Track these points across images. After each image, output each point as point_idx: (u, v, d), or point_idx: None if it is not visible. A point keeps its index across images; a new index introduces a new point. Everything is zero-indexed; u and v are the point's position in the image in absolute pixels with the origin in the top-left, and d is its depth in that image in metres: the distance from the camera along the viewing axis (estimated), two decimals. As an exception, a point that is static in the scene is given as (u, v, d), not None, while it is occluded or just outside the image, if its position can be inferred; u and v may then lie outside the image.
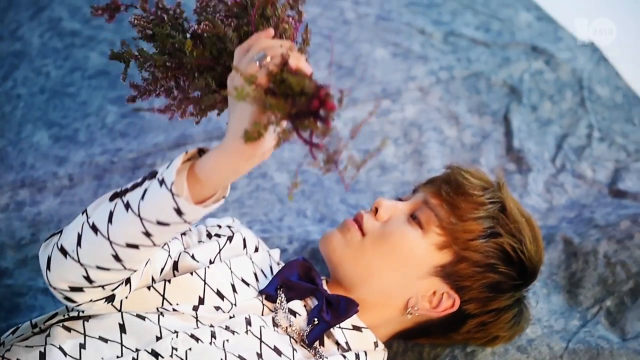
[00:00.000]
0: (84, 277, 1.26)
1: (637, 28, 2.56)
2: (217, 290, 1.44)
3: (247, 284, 1.50)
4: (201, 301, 1.42)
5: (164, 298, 1.41)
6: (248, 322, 1.39)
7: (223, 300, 1.44)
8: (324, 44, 2.39)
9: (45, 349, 1.32)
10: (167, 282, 1.42)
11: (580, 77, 2.37)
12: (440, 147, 2.16)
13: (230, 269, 1.50)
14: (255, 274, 1.54)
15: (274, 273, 1.54)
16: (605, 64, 2.44)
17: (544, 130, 2.24)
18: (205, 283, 1.44)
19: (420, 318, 1.53)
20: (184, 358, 1.31)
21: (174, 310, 1.38)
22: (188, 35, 1.24)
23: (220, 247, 1.53)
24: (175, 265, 1.46)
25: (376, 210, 1.54)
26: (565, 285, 1.80)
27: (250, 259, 1.56)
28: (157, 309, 1.39)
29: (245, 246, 1.58)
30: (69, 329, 1.36)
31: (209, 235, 1.57)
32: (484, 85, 2.35)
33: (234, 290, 1.47)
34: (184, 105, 1.25)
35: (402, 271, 1.50)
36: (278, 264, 1.59)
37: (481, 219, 1.49)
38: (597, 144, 2.20)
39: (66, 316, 1.38)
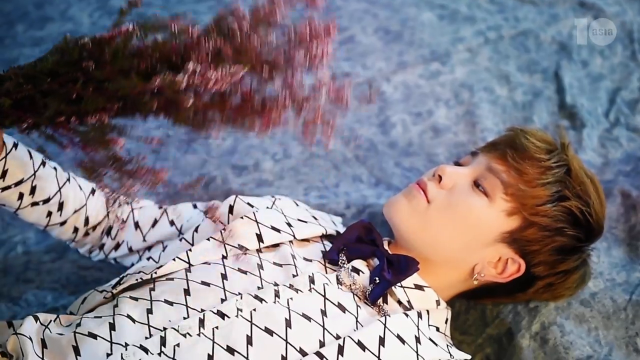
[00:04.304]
0: None
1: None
2: (272, 226, 1.49)
3: (305, 222, 1.55)
4: (260, 238, 1.47)
5: (224, 244, 1.46)
6: (311, 280, 1.41)
7: (280, 232, 1.49)
8: (370, 10, 2.39)
9: (114, 319, 1.35)
10: (222, 231, 1.47)
11: (630, 30, 2.33)
12: (492, 107, 2.14)
13: (282, 213, 1.55)
14: (314, 217, 1.60)
15: (336, 225, 1.61)
16: (656, 16, 2.41)
17: (596, 85, 2.22)
18: (257, 223, 1.49)
19: (486, 282, 1.54)
20: (249, 318, 1.33)
21: (239, 252, 1.45)
22: None
23: (273, 202, 1.60)
24: (230, 209, 1.54)
25: (439, 177, 1.52)
26: (625, 239, 1.78)
27: (306, 210, 1.63)
28: (222, 259, 1.45)
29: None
30: (135, 299, 1.39)
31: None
32: (533, 43, 2.32)
33: (290, 226, 1.52)
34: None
35: (468, 239, 1.49)
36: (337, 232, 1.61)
37: (549, 184, 1.48)
38: (650, 97, 2.18)
39: (133, 282, 1.42)
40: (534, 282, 1.55)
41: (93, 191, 1.62)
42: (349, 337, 1.33)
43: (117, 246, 1.65)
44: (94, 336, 1.34)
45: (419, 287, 1.49)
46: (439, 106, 2.15)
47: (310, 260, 1.49)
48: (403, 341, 1.36)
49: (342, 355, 1.31)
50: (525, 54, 2.30)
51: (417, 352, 1.36)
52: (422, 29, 2.34)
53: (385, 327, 1.36)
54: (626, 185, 1.87)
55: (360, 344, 1.33)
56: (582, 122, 2.09)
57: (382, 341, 1.34)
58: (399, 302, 1.47)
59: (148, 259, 1.53)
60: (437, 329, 1.49)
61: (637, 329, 1.61)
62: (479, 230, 1.49)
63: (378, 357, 1.33)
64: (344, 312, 1.38)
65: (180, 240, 1.53)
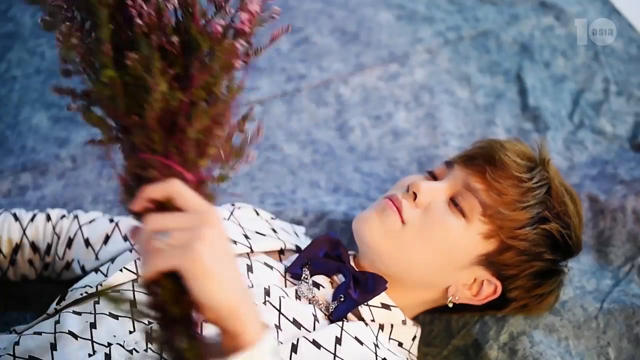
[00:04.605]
0: None
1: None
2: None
3: (263, 235, 1.47)
4: None
5: None
6: (267, 293, 1.32)
7: (236, 244, 1.40)
8: (325, 10, 2.31)
9: (55, 337, 1.26)
10: None
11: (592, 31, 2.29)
12: (453, 109, 2.07)
13: (240, 225, 1.47)
14: (274, 229, 1.51)
15: (298, 237, 1.54)
16: (618, 16, 2.35)
17: (559, 87, 2.16)
18: None
19: (460, 302, 1.46)
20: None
21: None
22: None
23: (231, 212, 1.52)
24: None
25: (414, 194, 1.42)
26: (594, 245, 1.73)
27: (267, 221, 1.54)
28: None
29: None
30: (79, 313, 1.29)
31: None
32: (494, 44, 2.26)
33: (247, 238, 1.43)
34: None
35: (442, 262, 1.40)
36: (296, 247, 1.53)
37: (529, 207, 1.39)
38: (614, 98, 2.11)
39: (78, 297, 1.33)
40: (508, 304, 1.47)
41: (33, 217, 1.54)
42: (304, 337, 1.26)
43: (67, 266, 1.55)
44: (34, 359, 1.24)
45: (385, 307, 1.40)
46: (399, 109, 2.07)
47: (272, 268, 1.41)
48: (361, 342, 1.30)
49: (296, 354, 1.24)
50: (486, 54, 2.23)
51: (375, 353, 1.30)
52: (380, 29, 2.27)
53: (342, 329, 1.30)
54: (593, 189, 1.81)
55: (315, 343, 1.26)
56: (545, 124, 2.03)
57: (338, 340, 1.28)
58: (362, 320, 1.39)
59: (96, 271, 1.43)
60: (400, 345, 1.41)
61: (608, 338, 1.55)
62: (455, 253, 1.39)
63: (334, 354, 1.26)
64: (300, 329, 1.30)
65: (131, 251, 1.43)
